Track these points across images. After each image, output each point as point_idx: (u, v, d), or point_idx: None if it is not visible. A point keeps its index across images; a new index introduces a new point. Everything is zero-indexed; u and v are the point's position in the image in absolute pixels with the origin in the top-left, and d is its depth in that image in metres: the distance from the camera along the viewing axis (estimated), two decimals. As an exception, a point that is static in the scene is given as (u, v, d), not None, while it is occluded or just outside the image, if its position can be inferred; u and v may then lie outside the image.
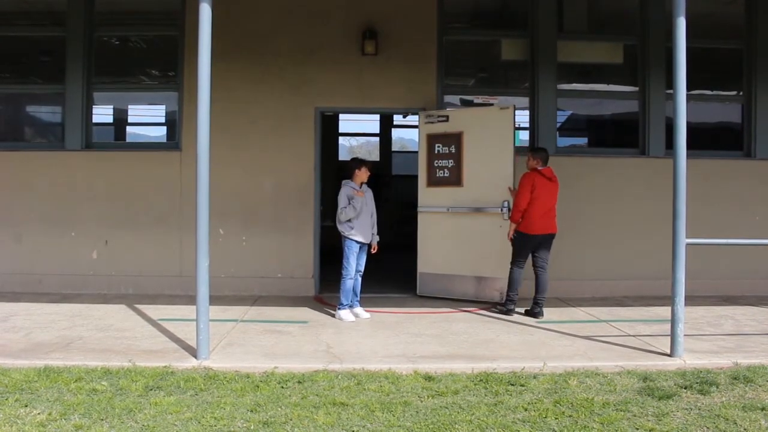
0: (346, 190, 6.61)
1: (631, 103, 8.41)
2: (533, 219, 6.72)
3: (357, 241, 6.60)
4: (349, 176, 6.67)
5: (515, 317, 6.72)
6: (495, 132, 7.46)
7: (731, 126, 8.71)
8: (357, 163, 6.71)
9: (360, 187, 6.64)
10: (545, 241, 6.84)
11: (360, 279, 6.75)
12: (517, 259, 6.87)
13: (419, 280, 7.85)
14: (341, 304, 6.59)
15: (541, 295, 6.78)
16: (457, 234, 7.60)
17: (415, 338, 5.81)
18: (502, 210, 7.30)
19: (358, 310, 6.70)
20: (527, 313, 6.83)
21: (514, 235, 6.84)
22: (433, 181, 7.81)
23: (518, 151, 7.53)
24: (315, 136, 8.00)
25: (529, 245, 6.81)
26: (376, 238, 6.79)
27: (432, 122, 7.78)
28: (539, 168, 6.79)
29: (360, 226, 6.58)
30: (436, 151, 7.79)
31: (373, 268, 10.04)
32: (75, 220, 7.90)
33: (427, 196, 7.83)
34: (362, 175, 6.66)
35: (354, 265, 6.61)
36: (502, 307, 6.95)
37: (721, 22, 8.61)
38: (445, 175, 7.74)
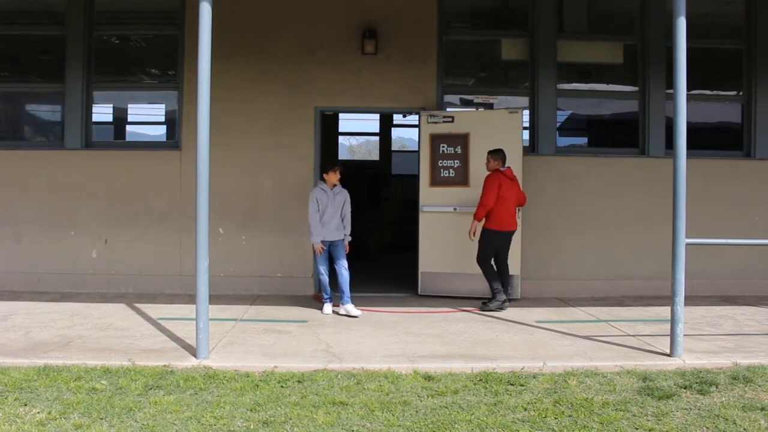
0: (314, 191, 6.86)
1: (631, 103, 8.41)
2: (503, 217, 7.03)
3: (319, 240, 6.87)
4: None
5: (515, 317, 6.71)
6: (503, 134, 7.56)
7: (731, 126, 8.71)
8: (328, 165, 6.96)
9: (332, 189, 6.82)
10: (509, 237, 7.19)
11: (347, 275, 6.83)
12: (487, 256, 7.11)
13: (421, 279, 7.85)
14: (323, 298, 6.97)
15: (506, 286, 7.16)
16: (462, 233, 7.58)
17: (414, 338, 5.81)
18: None
19: (349, 307, 6.75)
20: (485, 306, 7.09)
21: (484, 233, 7.07)
22: (437, 181, 7.81)
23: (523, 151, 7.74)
24: (315, 135, 8.00)
25: (497, 242, 7.11)
26: (348, 239, 6.94)
27: (436, 122, 7.79)
28: (501, 169, 7.06)
29: (323, 225, 6.78)
30: (440, 151, 7.80)
31: (373, 267, 10.11)
32: (74, 219, 7.89)
33: (430, 195, 7.83)
34: (332, 177, 6.86)
35: (321, 261, 6.85)
36: (495, 301, 7.03)
37: (721, 22, 8.61)
38: (451, 175, 7.76)
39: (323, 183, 6.88)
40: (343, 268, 6.83)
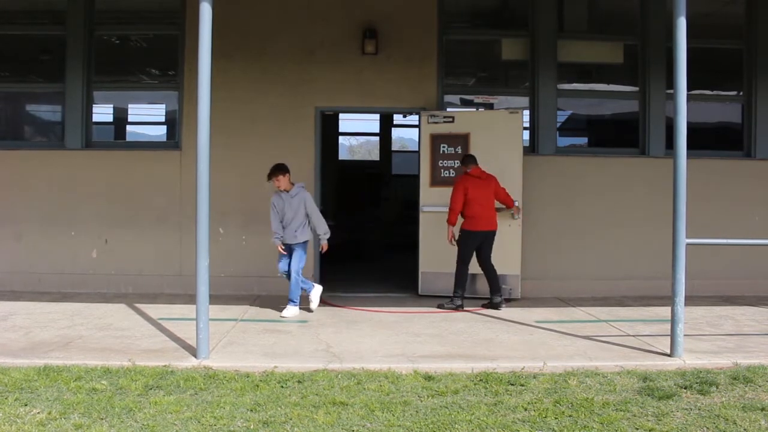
0: (272, 197, 6.79)
1: (632, 103, 8.41)
2: (476, 217, 7.06)
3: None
4: None
5: (515, 317, 6.71)
6: (503, 134, 7.60)
7: (731, 126, 8.71)
8: (269, 173, 6.72)
9: (288, 192, 6.71)
10: (488, 237, 7.16)
11: (295, 279, 6.75)
12: (464, 256, 7.14)
13: (421, 279, 7.84)
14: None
15: (496, 285, 7.15)
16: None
17: (414, 338, 5.80)
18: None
19: (288, 310, 6.69)
20: (491, 307, 7.11)
21: (460, 234, 7.13)
22: (438, 181, 7.83)
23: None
24: (315, 135, 8.00)
25: (474, 242, 7.11)
26: (323, 237, 6.85)
27: (437, 122, 7.80)
28: (468, 170, 7.13)
29: (283, 228, 6.75)
30: (441, 151, 7.82)
31: (373, 267, 10.11)
32: (75, 219, 7.89)
33: (430, 195, 7.84)
34: (278, 183, 6.72)
35: (284, 264, 6.80)
36: (451, 303, 7.10)
37: (721, 22, 8.61)
38: (451, 175, 7.77)
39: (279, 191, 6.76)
40: (293, 271, 6.71)
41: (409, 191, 10.27)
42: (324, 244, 6.92)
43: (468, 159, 7.21)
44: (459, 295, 7.11)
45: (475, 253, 7.15)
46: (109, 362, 4.87)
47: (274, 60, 7.92)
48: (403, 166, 14.02)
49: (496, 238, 7.22)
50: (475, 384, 4.55)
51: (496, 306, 7.09)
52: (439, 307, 7.14)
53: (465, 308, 7.09)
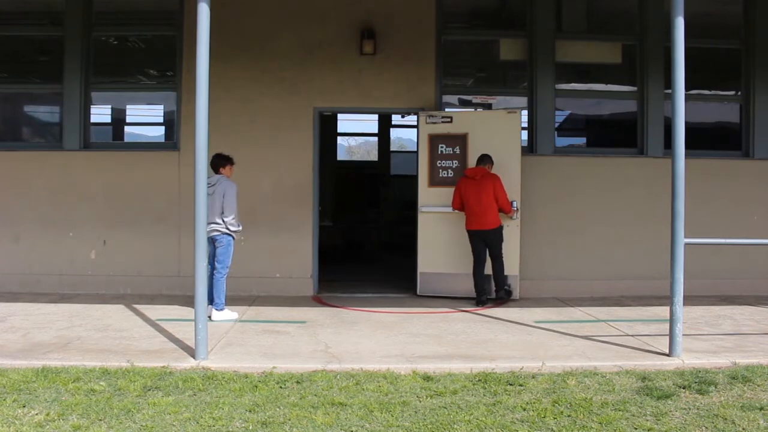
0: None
1: (630, 103, 8.41)
2: (468, 216, 7.36)
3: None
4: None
5: (514, 317, 6.71)
6: (502, 134, 7.61)
7: (730, 126, 8.71)
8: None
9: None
10: (483, 236, 7.30)
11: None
12: (473, 255, 7.37)
13: (420, 279, 7.84)
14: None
15: (497, 282, 7.38)
16: (461, 233, 7.57)
17: (413, 338, 5.80)
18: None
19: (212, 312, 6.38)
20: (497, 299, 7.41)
21: None
22: (436, 181, 7.83)
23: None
24: (314, 136, 8.00)
25: (472, 240, 7.37)
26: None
27: (435, 123, 7.80)
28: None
29: None
30: (439, 152, 7.82)
31: (372, 268, 10.11)
32: (73, 220, 7.88)
33: (429, 195, 7.84)
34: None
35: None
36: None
37: (720, 21, 8.61)
38: (449, 175, 7.78)
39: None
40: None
41: (408, 192, 10.29)
42: None
43: (477, 159, 7.41)
44: (476, 292, 7.34)
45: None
46: (107, 363, 4.87)
47: (273, 60, 7.92)
48: (401, 167, 14.02)
49: (504, 236, 7.37)
50: (473, 384, 4.55)
51: (495, 299, 7.36)
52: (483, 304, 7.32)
53: (463, 309, 7.10)
